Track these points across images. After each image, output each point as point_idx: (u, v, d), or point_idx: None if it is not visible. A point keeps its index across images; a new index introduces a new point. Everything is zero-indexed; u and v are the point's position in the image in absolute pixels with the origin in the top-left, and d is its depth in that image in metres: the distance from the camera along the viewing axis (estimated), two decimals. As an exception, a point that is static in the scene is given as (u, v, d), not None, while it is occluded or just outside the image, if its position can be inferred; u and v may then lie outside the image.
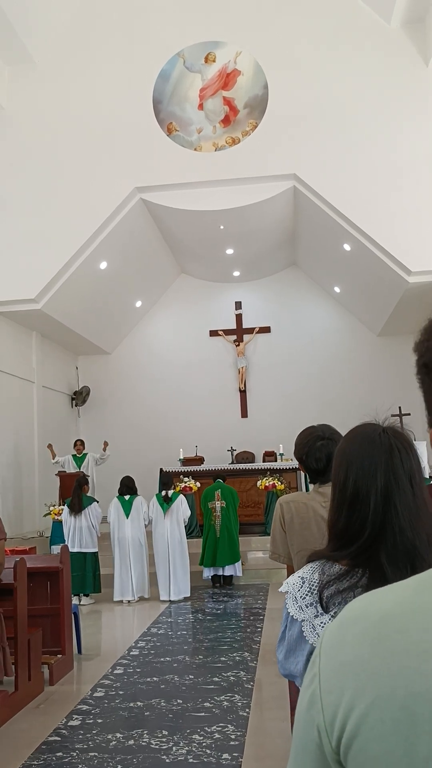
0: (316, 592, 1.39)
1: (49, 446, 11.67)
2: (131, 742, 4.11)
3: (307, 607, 1.42)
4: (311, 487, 2.65)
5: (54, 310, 10.95)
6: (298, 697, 0.71)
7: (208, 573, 9.60)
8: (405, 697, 0.58)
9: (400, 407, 10.70)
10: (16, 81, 10.72)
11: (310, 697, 0.67)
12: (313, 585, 1.42)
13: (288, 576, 1.71)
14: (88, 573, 8.90)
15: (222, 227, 11.30)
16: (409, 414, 10.21)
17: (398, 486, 1.32)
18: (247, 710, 4.60)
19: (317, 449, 2.47)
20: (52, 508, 10.40)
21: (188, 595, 8.94)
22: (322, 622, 1.40)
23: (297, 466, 11.74)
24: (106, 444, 12.05)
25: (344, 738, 0.62)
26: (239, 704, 4.72)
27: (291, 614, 1.45)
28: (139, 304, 13.89)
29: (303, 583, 1.44)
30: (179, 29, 10.44)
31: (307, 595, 1.43)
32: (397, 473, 1.34)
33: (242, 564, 9.95)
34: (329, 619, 1.37)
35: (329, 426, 2.59)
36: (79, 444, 12.10)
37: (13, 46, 10.31)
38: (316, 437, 2.51)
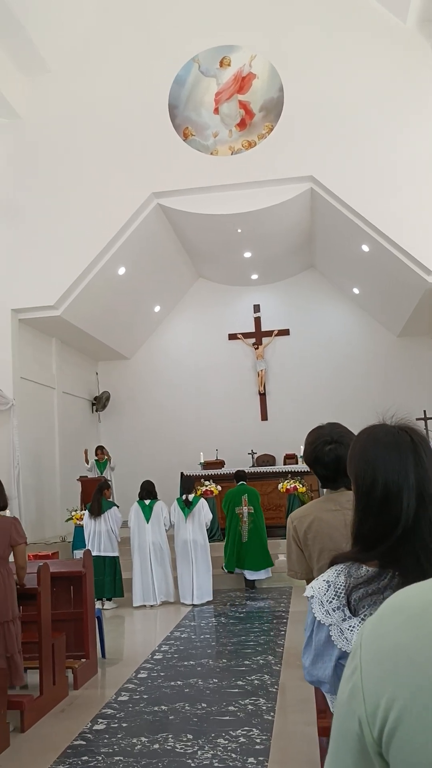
0: (342, 595, 1.37)
1: (85, 452, 11.83)
2: (156, 746, 4.11)
3: (333, 611, 1.40)
4: (324, 492, 2.58)
5: (73, 317, 11.02)
6: (339, 689, 0.70)
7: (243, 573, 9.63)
8: None
9: (425, 411, 10.62)
10: (33, 90, 10.83)
11: (351, 689, 0.66)
12: (339, 588, 1.40)
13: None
14: (107, 577, 8.92)
15: (239, 231, 11.31)
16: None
17: (430, 479, 1.32)
18: (272, 714, 4.58)
19: (325, 454, 2.39)
20: (73, 513, 10.45)
21: (211, 598, 8.93)
22: (350, 626, 1.38)
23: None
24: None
25: (387, 729, 0.61)
26: (264, 708, 4.70)
27: (317, 619, 1.42)
28: (157, 308, 13.94)
29: (329, 586, 1.42)
30: (194, 34, 10.48)
31: (333, 598, 1.40)
32: (426, 467, 1.33)
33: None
34: (358, 623, 1.36)
35: (338, 425, 2.49)
36: (100, 451, 12.17)
37: (30, 56, 10.41)
38: (323, 441, 2.42)
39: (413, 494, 1.31)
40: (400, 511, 1.30)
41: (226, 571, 9.62)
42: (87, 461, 11.92)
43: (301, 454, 12.48)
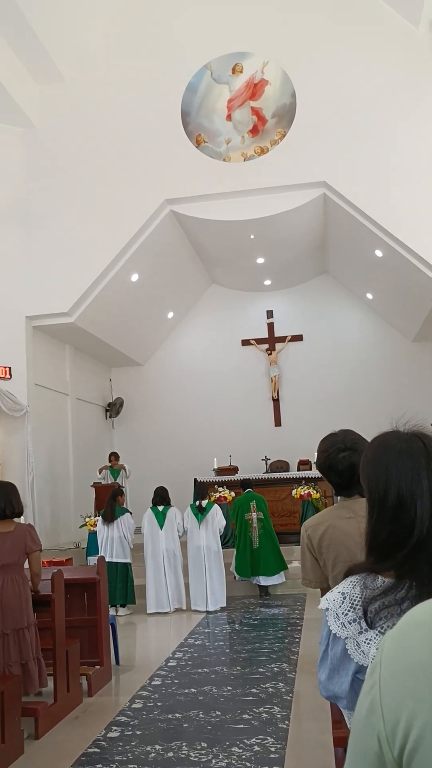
0: (359, 607, 1.34)
1: (100, 469, 12.05)
2: (170, 754, 4.10)
3: (350, 623, 1.36)
4: (338, 499, 2.57)
5: (87, 323, 11.06)
6: (356, 705, 0.68)
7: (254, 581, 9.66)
8: None
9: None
10: (47, 98, 10.91)
11: (369, 705, 0.65)
12: (354, 600, 1.36)
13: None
14: (118, 583, 8.91)
15: (252, 236, 11.31)
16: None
17: None
18: (287, 722, 4.55)
19: (339, 461, 2.38)
20: (87, 519, 10.47)
21: (224, 605, 8.90)
22: (367, 639, 1.34)
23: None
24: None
25: (408, 748, 0.60)
26: (278, 716, 4.67)
27: (333, 632, 1.38)
28: (170, 315, 13.96)
29: (344, 598, 1.38)
30: (206, 42, 10.52)
31: (349, 611, 1.36)
32: None
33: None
34: (375, 636, 1.33)
35: (351, 432, 2.48)
36: (113, 458, 12.19)
37: (44, 65, 10.50)
38: (337, 449, 2.40)
39: (427, 502, 1.28)
40: (414, 518, 1.28)
41: (236, 575, 9.61)
42: (100, 472, 11.99)
43: (315, 460, 12.47)
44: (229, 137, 10.48)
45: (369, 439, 1.53)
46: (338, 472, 2.39)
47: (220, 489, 11.15)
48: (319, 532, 2.42)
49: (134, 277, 11.28)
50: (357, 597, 1.35)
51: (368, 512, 1.37)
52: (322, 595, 1.52)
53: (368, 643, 1.33)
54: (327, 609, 1.41)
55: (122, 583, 8.97)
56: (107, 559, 8.77)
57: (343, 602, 1.38)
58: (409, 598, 1.24)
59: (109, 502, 9.21)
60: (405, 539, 1.28)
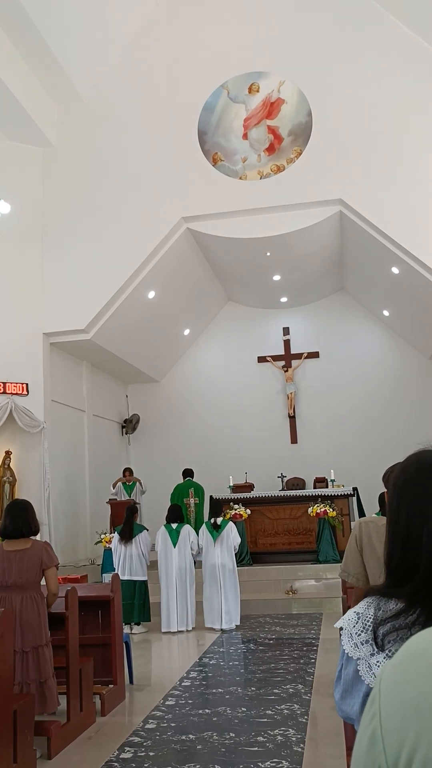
0: (370, 629, 1.31)
1: (114, 484, 12.12)
2: (183, 776, 4.04)
3: (362, 644, 1.33)
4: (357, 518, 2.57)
5: (104, 340, 11.12)
6: (357, 736, 0.67)
7: None
8: None
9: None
10: (65, 118, 11.07)
11: (370, 737, 0.63)
12: (367, 621, 1.33)
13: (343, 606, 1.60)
14: (137, 601, 8.86)
15: (268, 254, 11.34)
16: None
17: None
18: (302, 745, 4.48)
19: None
20: (103, 536, 10.45)
21: (239, 623, 8.82)
22: (377, 661, 1.32)
23: (348, 492, 11.58)
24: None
25: None
26: (293, 739, 4.60)
27: (347, 652, 1.35)
28: (187, 332, 14.00)
29: (358, 619, 1.35)
30: (223, 62, 10.63)
31: (362, 632, 1.33)
32: None
33: (288, 593, 9.92)
34: (384, 659, 1.30)
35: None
36: (128, 473, 12.19)
37: (62, 85, 10.66)
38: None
39: None
40: (420, 550, 1.24)
41: None
42: (114, 487, 12.00)
43: (332, 477, 12.38)
44: (246, 156, 10.55)
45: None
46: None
47: (236, 506, 11.10)
48: (371, 528, 2.44)
49: (151, 294, 11.33)
50: (370, 618, 1.33)
51: (386, 532, 1.35)
52: (355, 595, 1.47)
53: (378, 665, 1.31)
54: (342, 628, 1.38)
55: (141, 600, 8.92)
56: (126, 577, 8.75)
57: (357, 623, 1.35)
58: (419, 624, 1.21)
59: (128, 519, 9.16)
60: (415, 570, 1.24)
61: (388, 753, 0.60)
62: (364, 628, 1.33)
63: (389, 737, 0.60)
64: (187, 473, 11.91)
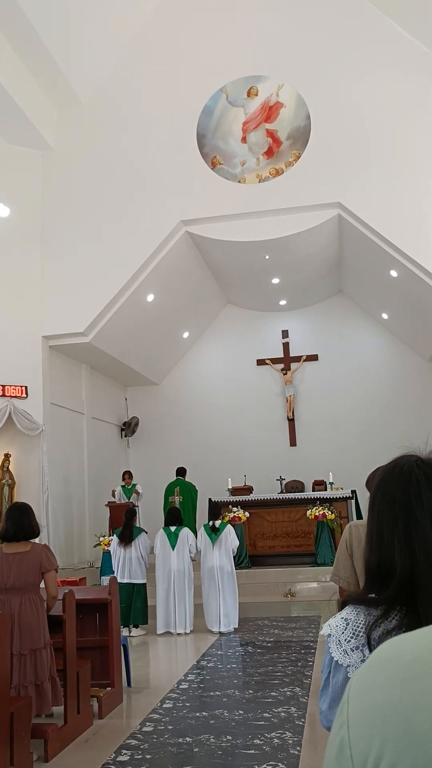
0: (361, 634, 1.28)
1: (113, 492, 12.11)
2: (180, 779, 4.05)
3: (352, 651, 1.30)
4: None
5: (103, 343, 11.13)
6: (327, 744, 0.67)
7: None
8: None
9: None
10: (64, 121, 11.09)
11: (338, 745, 0.63)
12: (357, 628, 1.30)
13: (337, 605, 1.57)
14: (136, 604, 8.86)
15: (267, 257, 11.36)
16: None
17: (415, 525, 1.23)
18: (298, 748, 4.49)
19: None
20: (102, 538, 10.45)
21: (237, 626, 8.82)
22: None
23: (347, 495, 11.58)
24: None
25: None
26: (290, 741, 4.61)
27: (335, 659, 1.32)
28: (186, 335, 14.01)
29: (347, 625, 1.32)
30: (222, 65, 10.66)
31: (351, 638, 1.30)
32: (415, 511, 1.24)
33: (287, 596, 9.92)
34: None
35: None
36: (128, 477, 12.20)
37: (61, 88, 10.68)
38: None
39: (403, 538, 1.23)
40: (393, 553, 1.23)
41: None
42: (113, 495, 12.00)
43: (331, 480, 12.37)
44: (245, 159, 10.58)
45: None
46: None
47: (235, 509, 11.10)
48: (361, 532, 2.43)
49: (150, 298, 11.35)
50: (360, 624, 1.29)
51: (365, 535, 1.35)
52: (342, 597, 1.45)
53: None
54: (329, 635, 1.34)
55: (140, 603, 8.92)
56: (126, 580, 8.75)
57: (346, 629, 1.32)
58: (405, 625, 1.20)
59: (127, 522, 9.17)
60: (390, 575, 1.23)
61: (356, 761, 0.60)
62: (354, 634, 1.31)
63: (356, 745, 0.61)
64: (178, 472, 12.14)
